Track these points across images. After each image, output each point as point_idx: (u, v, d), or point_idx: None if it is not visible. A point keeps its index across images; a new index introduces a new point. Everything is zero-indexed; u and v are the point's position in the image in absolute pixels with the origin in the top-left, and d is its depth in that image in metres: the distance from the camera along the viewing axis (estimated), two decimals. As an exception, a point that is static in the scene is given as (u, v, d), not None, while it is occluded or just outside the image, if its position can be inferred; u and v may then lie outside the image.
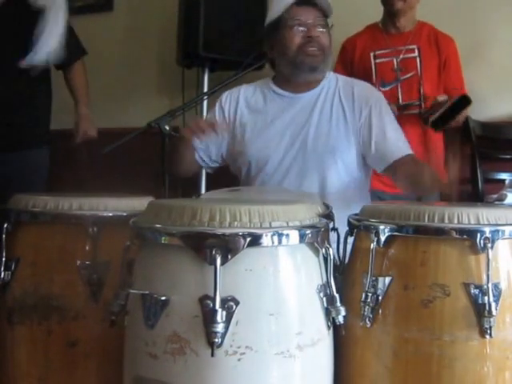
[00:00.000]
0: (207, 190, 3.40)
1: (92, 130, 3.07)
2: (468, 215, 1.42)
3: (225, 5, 3.27)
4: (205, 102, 3.34)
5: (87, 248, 1.63)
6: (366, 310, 1.45)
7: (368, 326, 1.46)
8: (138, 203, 1.66)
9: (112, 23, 4.03)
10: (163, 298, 1.28)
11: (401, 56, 2.91)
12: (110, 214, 1.67)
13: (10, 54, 2.78)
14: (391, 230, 1.46)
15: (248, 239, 1.26)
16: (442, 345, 1.40)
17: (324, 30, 2.20)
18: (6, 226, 1.69)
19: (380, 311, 1.46)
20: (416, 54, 2.91)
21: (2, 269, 1.69)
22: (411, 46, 2.93)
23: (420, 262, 1.43)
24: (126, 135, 2.57)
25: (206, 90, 3.42)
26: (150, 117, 2.57)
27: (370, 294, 1.45)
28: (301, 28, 2.18)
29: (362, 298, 1.46)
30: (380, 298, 1.45)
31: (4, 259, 1.69)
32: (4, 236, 1.69)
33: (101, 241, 1.63)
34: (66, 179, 3.17)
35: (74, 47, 3.03)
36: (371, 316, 1.46)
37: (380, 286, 1.46)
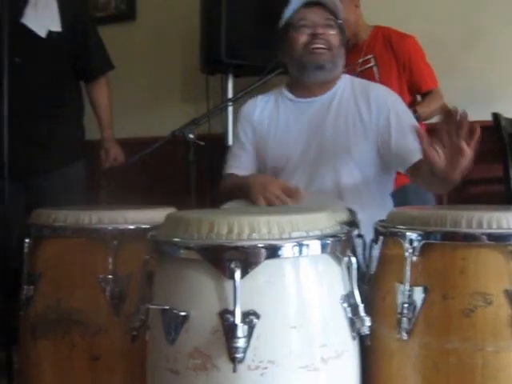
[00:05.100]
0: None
1: (120, 155, 3.04)
2: (507, 220, 1.38)
3: (246, 10, 3.24)
4: (229, 109, 3.32)
5: (108, 261, 1.62)
6: (403, 321, 1.40)
7: (405, 338, 1.41)
8: (159, 215, 1.63)
9: (135, 32, 4.04)
10: (183, 314, 1.25)
11: (358, 70, 2.85)
12: (130, 227, 1.67)
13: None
14: (427, 237, 1.41)
15: (267, 251, 1.23)
16: (486, 355, 1.35)
17: (333, 31, 2.17)
18: (27, 240, 1.70)
19: (417, 323, 1.40)
20: (372, 63, 2.86)
21: (25, 284, 1.70)
22: (367, 57, 2.87)
23: (459, 270, 1.38)
24: (151, 145, 2.56)
25: (230, 96, 3.40)
26: (175, 125, 2.57)
27: (406, 305, 1.40)
28: (307, 29, 2.16)
29: (399, 310, 1.41)
30: (417, 308, 1.40)
31: (27, 274, 1.70)
32: (26, 251, 1.70)
33: (121, 254, 1.63)
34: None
35: (100, 60, 3.01)
36: (408, 328, 1.40)
37: (417, 296, 1.41)
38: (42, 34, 2.73)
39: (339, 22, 2.19)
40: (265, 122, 2.29)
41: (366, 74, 2.83)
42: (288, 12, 2.21)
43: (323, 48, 2.14)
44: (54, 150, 2.80)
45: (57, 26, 2.77)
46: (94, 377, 1.64)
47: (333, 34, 2.17)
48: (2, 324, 2.35)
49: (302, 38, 2.16)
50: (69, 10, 2.82)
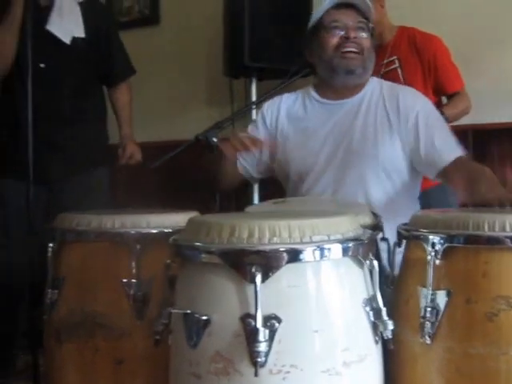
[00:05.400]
0: (261, 200, 3.38)
1: (137, 153, 3.06)
2: (531, 222, 1.36)
3: (270, 14, 3.24)
4: (253, 112, 3.32)
5: (131, 265, 1.62)
6: (426, 325, 1.39)
7: (428, 342, 1.40)
8: (181, 219, 1.64)
9: (159, 37, 4.06)
10: (204, 318, 1.25)
11: (382, 71, 2.84)
12: (153, 231, 1.67)
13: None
14: (450, 240, 1.40)
15: (288, 255, 1.22)
16: (510, 360, 1.34)
17: (365, 34, 2.15)
18: (51, 245, 1.71)
19: (441, 326, 1.39)
20: (397, 64, 2.86)
21: (49, 288, 1.71)
22: (391, 58, 2.89)
23: (482, 274, 1.37)
24: (175, 148, 2.57)
25: (254, 99, 3.40)
26: (200, 129, 2.56)
27: (429, 309, 1.39)
28: (339, 30, 2.13)
29: (421, 314, 1.40)
30: (440, 312, 1.39)
31: (51, 278, 1.71)
32: (50, 255, 1.71)
33: (144, 258, 1.63)
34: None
35: (123, 66, 3.05)
36: (431, 332, 1.39)
37: (440, 300, 1.39)
38: (67, 40, 2.77)
39: (371, 25, 2.17)
40: (291, 123, 2.27)
41: (391, 76, 2.81)
42: (318, 12, 2.18)
43: (355, 52, 2.12)
44: (77, 155, 2.83)
45: (81, 33, 2.81)
46: (117, 380, 1.64)
47: (365, 38, 2.15)
48: (28, 328, 2.38)
49: (334, 40, 2.14)
50: (92, 17, 2.86)
